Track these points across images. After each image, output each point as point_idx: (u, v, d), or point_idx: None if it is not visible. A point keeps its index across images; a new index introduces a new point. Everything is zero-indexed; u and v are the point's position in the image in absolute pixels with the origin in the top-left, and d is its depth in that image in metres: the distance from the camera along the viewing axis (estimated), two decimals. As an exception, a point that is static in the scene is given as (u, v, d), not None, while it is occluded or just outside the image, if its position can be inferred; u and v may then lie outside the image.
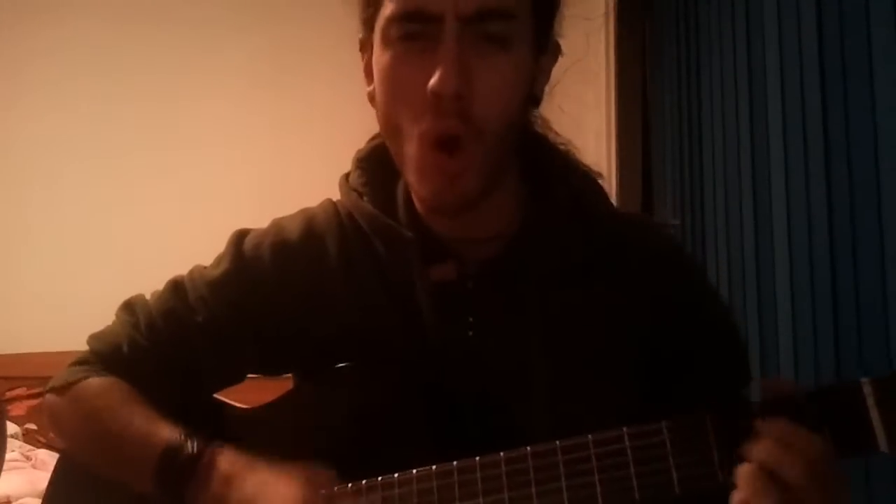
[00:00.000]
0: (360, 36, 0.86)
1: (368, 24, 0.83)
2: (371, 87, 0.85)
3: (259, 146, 3.01)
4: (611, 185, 2.31)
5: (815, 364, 1.37)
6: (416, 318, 0.83)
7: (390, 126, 0.81)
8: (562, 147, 0.92)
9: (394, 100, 0.80)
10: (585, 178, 0.91)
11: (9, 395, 2.66)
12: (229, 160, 3.00)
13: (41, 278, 2.92)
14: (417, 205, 0.88)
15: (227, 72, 3.04)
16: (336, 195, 0.93)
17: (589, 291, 0.85)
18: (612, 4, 2.39)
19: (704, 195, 1.94)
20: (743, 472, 0.65)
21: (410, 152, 0.79)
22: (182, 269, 0.94)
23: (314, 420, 0.84)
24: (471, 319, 0.85)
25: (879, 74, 1.21)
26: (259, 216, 0.96)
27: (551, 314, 0.83)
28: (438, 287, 0.84)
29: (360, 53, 0.87)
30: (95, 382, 0.90)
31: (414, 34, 0.77)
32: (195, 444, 0.82)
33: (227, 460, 0.81)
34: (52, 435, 2.41)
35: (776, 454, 0.64)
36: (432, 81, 0.74)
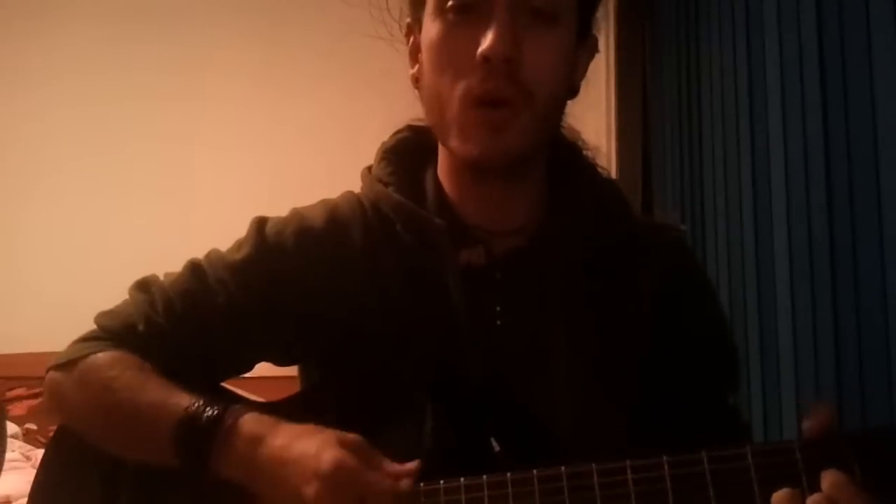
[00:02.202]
0: (408, 19, 0.89)
1: (417, 4, 0.86)
2: (415, 69, 0.87)
3: (260, 145, 3.01)
4: (611, 185, 2.30)
5: (815, 364, 1.37)
6: (443, 306, 0.84)
7: (436, 96, 0.83)
8: (587, 152, 0.95)
9: (442, 68, 0.81)
10: (607, 182, 0.95)
11: (9, 395, 2.66)
12: (230, 159, 3.00)
13: (41, 278, 2.92)
14: (445, 181, 0.89)
15: (228, 71, 3.04)
16: (338, 192, 0.94)
17: (608, 287, 0.87)
18: (612, 4, 2.39)
19: (704, 195, 1.94)
20: None
21: (453, 114, 0.81)
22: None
23: (334, 410, 0.84)
24: (498, 308, 0.86)
25: (879, 75, 1.21)
26: (258, 214, 0.95)
27: (574, 306, 0.85)
28: (467, 273, 0.85)
29: (404, 38, 0.90)
30: (106, 355, 0.88)
31: (466, 6, 0.79)
32: (215, 407, 0.80)
33: (251, 421, 0.80)
34: (50, 428, 2.41)
35: None
36: (483, 46, 0.77)
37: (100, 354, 0.88)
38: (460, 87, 0.80)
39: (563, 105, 0.88)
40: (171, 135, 3.02)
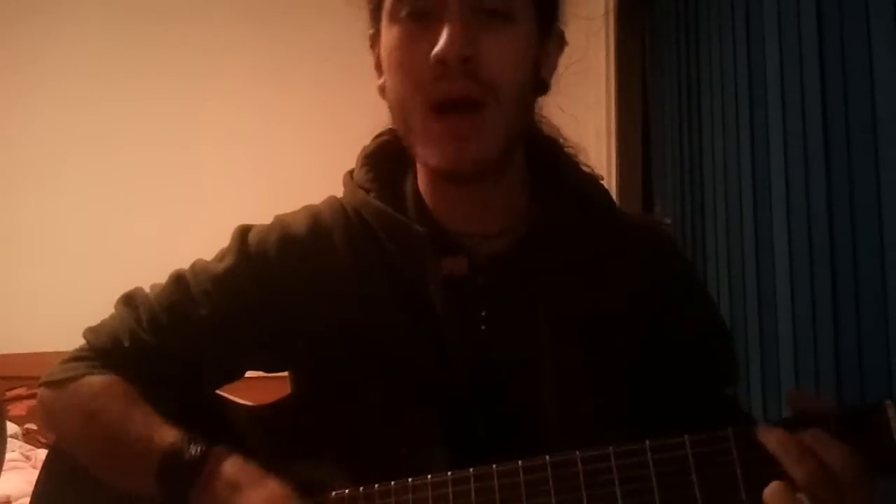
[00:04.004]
0: (371, 31, 0.88)
1: (376, 15, 0.85)
2: (381, 81, 0.86)
3: (258, 145, 3.01)
4: (611, 185, 2.31)
5: (815, 364, 1.37)
6: (428, 313, 0.83)
7: (400, 105, 0.82)
8: (569, 149, 0.94)
9: (401, 75, 0.80)
10: (590, 180, 0.93)
11: (9, 395, 2.66)
12: (229, 159, 3.00)
13: (41, 278, 2.92)
14: (423, 187, 0.88)
15: (227, 71, 3.04)
16: (335, 193, 0.94)
17: (593, 288, 0.86)
18: (612, 4, 2.39)
19: (704, 195, 1.94)
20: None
21: (417, 123, 0.80)
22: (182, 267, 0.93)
23: (321, 418, 0.84)
24: (483, 314, 0.85)
25: (879, 74, 1.21)
26: (258, 215, 0.95)
27: (559, 309, 0.84)
28: (450, 281, 0.84)
29: (370, 50, 0.89)
30: (94, 381, 0.88)
31: (419, 12, 0.78)
32: (199, 447, 0.81)
33: (233, 466, 0.80)
34: (47, 433, 2.41)
35: (791, 454, 0.65)
36: (437, 48, 0.76)
37: (87, 379, 0.88)
38: (420, 95, 0.79)
39: (533, 102, 0.86)
40: (172, 135, 3.02)
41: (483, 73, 0.77)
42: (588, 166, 0.94)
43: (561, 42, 0.89)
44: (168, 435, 0.82)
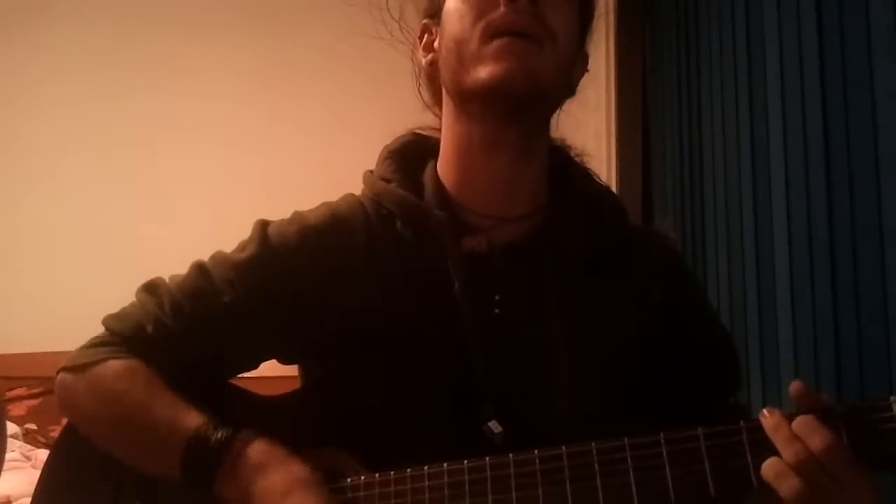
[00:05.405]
0: (425, 21, 0.93)
1: (434, 7, 0.91)
2: (429, 56, 0.92)
3: (258, 145, 3.01)
4: (611, 185, 2.30)
5: (815, 364, 1.37)
6: (445, 298, 0.85)
7: (456, 43, 0.85)
8: (577, 157, 0.98)
9: (464, 14, 0.84)
10: (605, 188, 0.98)
11: (9, 395, 2.66)
12: (229, 159, 3.00)
13: (41, 278, 2.93)
14: (450, 165, 0.91)
15: (226, 70, 3.05)
16: (339, 190, 0.96)
17: (605, 285, 0.89)
18: (612, 4, 2.39)
19: (704, 196, 1.94)
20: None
21: (474, 49, 0.83)
22: (182, 268, 0.94)
23: (336, 405, 0.85)
24: (497, 297, 0.88)
25: (879, 74, 1.21)
26: (260, 215, 0.96)
27: (570, 299, 0.87)
28: (469, 260, 0.87)
29: (417, 40, 0.95)
30: (117, 364, 0.88)
31: None
32: (224, 431, 0.81)
33: (257, 449, 0.81)
34: (50, 428, 2.40)
35: (781, 436, 0.68)
36: None
37: (111, 363, 0.88)
38: (483, 25, 0.83)
39: (570, 79, 0.91)
40: (172, 134, 3.02)
41: (547, 18, 0.83)
42: (596, 174, 0.98)
43: (586, 62, 0.94)
44: (193, 419, 0.83)
